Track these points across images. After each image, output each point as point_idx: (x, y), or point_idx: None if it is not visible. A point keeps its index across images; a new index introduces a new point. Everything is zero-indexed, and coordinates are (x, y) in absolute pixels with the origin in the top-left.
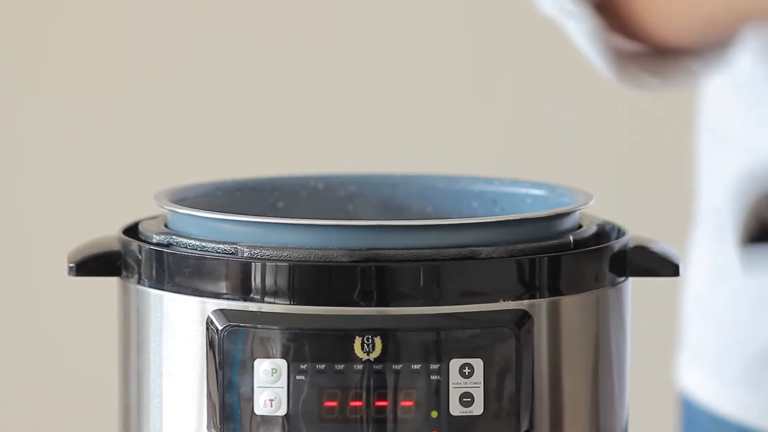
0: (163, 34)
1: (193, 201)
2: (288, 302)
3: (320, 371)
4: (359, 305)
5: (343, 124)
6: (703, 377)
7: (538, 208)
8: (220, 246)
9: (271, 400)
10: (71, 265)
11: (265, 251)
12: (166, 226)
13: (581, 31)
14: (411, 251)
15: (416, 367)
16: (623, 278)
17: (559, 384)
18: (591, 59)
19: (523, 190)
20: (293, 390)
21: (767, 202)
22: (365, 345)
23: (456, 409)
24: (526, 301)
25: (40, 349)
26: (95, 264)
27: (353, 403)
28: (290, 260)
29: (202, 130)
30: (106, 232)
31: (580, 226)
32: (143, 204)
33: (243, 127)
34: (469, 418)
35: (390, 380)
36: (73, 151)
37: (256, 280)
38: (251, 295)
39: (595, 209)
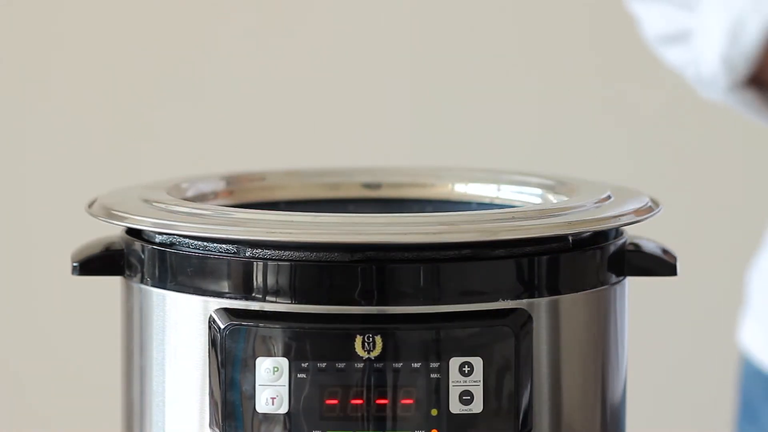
0: (163, 33)
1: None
2: (289, 301)
3: (321, 369)
4: (360, 304)
5: (344, 125)
6: (756, 334)
7: None
8: (222, 245)
9: (273, 398)
10: (75, 264)
11: (266, 250)
12: None
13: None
14: (411, 251)
15: (416, 365)
16: (621, 277)
17: (558, 382)
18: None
19: None
20: (294, 388)
21: None
22: (366, 343)
23: (456, 407)
24: (525, 300)
25: (43, 348)
26: (99, 263)
27: (354, 401)
28: (292, 260)
29: (204, 130)
30: (110, 231)
31: None
32: None
33: (245, 128)
34: (468, 416)
35: (390, 378)
36: (75, 151)
37: (257, 279)
38: (253, 294)
39: None
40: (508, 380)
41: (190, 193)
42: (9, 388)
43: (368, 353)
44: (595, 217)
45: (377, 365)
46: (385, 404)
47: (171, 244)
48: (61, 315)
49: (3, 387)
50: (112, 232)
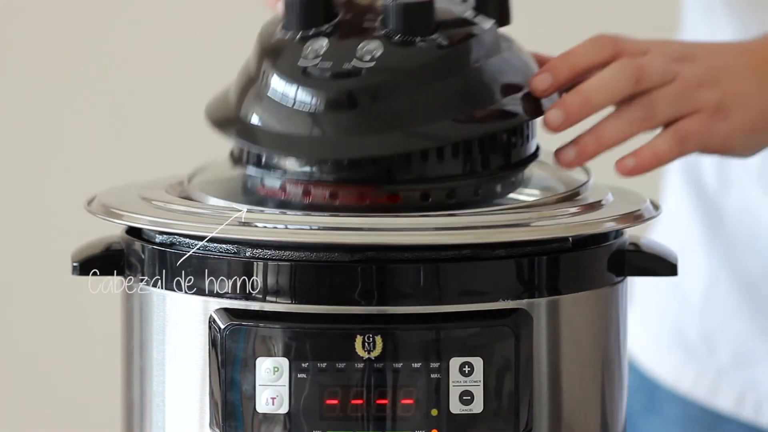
0: (162, 32)
1: None
2: (289, 301)
3: (321, 370)
4: (360, 304)
5: None
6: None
7: None
8: (223, 245)
9: (273, 399)
10: (75, 264)
11: (266, 250)
12: None
13: None
14: (411, 251)
15: (416, 365)
16: (621, 277)
17: (558, 382)
18: None
19: None
20: (295, 388)
21: None
22: (366, 344)
23: (456, 407)
24: (525, 300)
25: (43, 348)
26: (99, 263)
27: (354, 402)
28: (291, 260)
29: (204, 130)
30: (110, 231)
31: None
32: None
33: None
34: (468, 417)
35: (390, 379)
36: (75, 150)
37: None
38: (253, 294)
39: None
40: (508, 380)
41: (189, 192)
42: (9, 388)
43: (368, 353)
44: (595, 219)
45: (377, 365)
46: (385, 404)
47: (171, 244)
48: (61, 315)
49: (3, 387)
50: (112, 231)
